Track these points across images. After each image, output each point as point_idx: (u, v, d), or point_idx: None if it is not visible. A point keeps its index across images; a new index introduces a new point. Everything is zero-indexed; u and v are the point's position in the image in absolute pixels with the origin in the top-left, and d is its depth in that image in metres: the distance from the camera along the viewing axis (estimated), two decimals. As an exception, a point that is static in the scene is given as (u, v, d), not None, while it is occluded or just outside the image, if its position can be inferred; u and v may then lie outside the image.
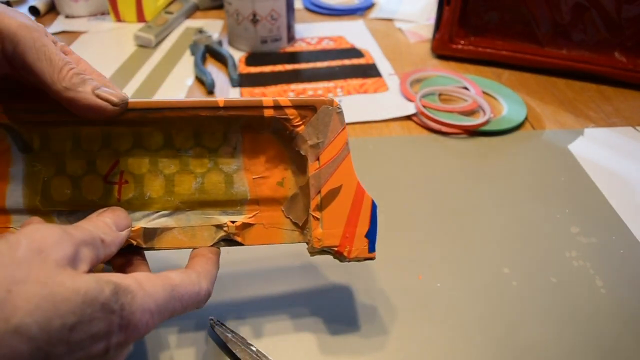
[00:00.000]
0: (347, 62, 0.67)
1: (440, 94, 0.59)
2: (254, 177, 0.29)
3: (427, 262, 0.37)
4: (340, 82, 0.62)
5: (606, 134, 0.53)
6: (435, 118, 0.52)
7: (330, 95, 0.59)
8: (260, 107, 0.28)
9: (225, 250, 0.38)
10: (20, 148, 0.28)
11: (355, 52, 0.69)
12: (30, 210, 0.28)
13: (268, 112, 0.28)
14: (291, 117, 0.28)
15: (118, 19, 0.80)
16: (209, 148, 0.29)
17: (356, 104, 0.57)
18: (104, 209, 0.26)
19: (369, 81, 0.62)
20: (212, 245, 0.29)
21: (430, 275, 0.36)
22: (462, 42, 0.66)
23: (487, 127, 0.52)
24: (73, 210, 0.28)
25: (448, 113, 0.54)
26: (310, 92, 0.60)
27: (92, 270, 0.22)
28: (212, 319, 0.32)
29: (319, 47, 0.71)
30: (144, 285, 0.21)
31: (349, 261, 0.29)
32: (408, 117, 0.55)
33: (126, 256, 0.27)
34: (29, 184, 0.28)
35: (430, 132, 0.53)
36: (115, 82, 0.62)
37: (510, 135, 0.52)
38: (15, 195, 0.28)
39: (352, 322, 0.33)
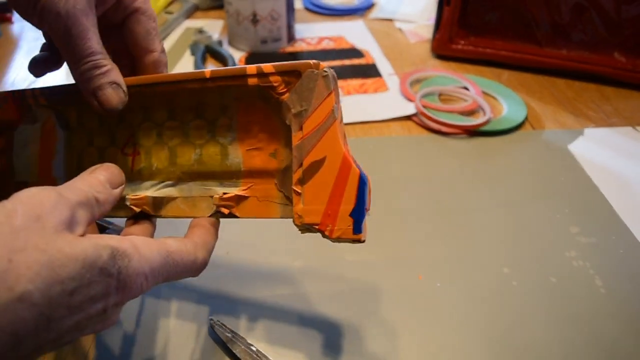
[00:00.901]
0: (347, 62, 0.67)
1: (440, 94, 0.59)
2: (247, 148, 0.28)
3: (427, 262, 0.37)
4: (340, 82, 0.62)
5: (606, 134, 0.53)
6: (435, 118, 0.52)
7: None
8: (244, 75, 0.27)
9: (225, 250, 0.38)
10: (61, 126, 0.32)
11: (355, 52, 0.69)
12: (69, 179, 0.30)
13: (252, 81, 0.27)
14: (275, 85, 0.26)
15: (118, 19, 0.80)
16: (208, 120, 0.29)
17: (356, 104, 0.57)
18: (98, 165, 0.25)
19: (369, 81, 0.62)
20: (210, 216, 0.29)
21: (430, 275, 0.36)
22: (462, 42, 0.66)
23: (487, 127, 0.52)
24: None
25: (448, 113, 0.54)
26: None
27: (87, 230, 0.22)
28: (212, 319, 0.32)
29: (319, 47, 0.71)
30: (140, 249, 0.22)
31: (333, 241, 0.27)
32: (408, 117, 0.55)
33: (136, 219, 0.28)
34: (68, 156, 0.32)
35: (430, 132, 0.53)
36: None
37: (510, 135, 0.52)
38: (58, 166, 0.32)
39: (352, 322, 0.33)
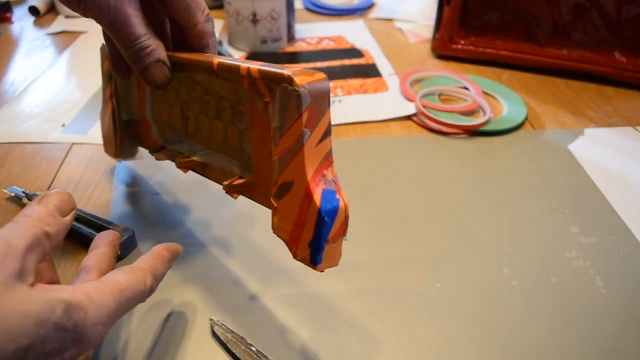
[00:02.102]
0: (347, 62, 0.67)
1: (440, 94, 0.59)
2: (256, 139, 0.28)
3: (427, 262, 0.37)
4: (340, 82, 0.62)
5: (606, 134, 0.53)
6: (435, 118, 0.52)
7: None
8: (239, 75, 0.26)
9: (225, 250, 0.38)
10: None
11: (355, 52, 0.69)
12: (155, 123, 0.37)
13: (245, 83, 0.26)
14: (262, 92, 0.25)
15: (118, 19, 0.80)
16: (230, 102, 0.29)
17: (356, 104, 0.57)
18: (49, 192, 0.25)
19: (369, 81, 0.62)
20: (227, 192, 0.30)
21: (430, 275, 0.36)
22: (462, 42, 0.66)
23: (487, 127, 0.52)
24: (171, 131, 0.36)
25: (448, 113, 0.54)
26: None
27: (42, 267, 0.22)
28: (212, 319, 0.32)
29: (319, 47, 0.71)
30: (94, 299, 0.22)
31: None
32: (408, 117, 0.55)
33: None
34: (153, 106, 0.37)
35: (430, 132, 0.53)
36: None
37: (510, 135, 0.52)
38: (149, 112, 0.37)
39: (352, 322, 0.33)
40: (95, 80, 0.63)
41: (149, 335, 0.32)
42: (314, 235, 0.24)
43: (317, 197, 0.24)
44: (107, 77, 0.40)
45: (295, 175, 0.24)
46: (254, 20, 0.66)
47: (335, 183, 0.25)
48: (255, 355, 0.30)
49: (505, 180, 0.46)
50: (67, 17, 0.82)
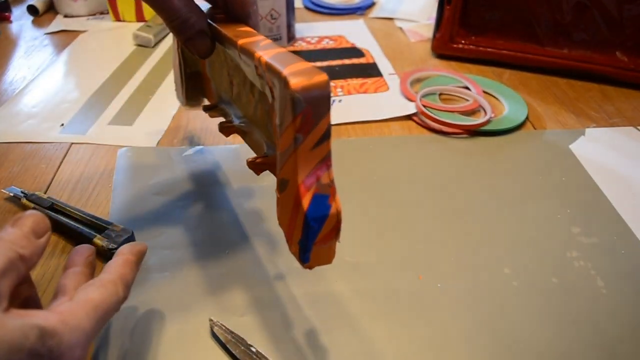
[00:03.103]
0: (347, 61, 0.67)
1: (440, 94, 0.58)
2: (277, 122, 0.27)
3: (427, 262, 0.37)
4: (340, 82, 0.62)
5: (607, 134, 0.52)
6: (436, 118, 0.52)
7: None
8: (254, 60, 0.26)
9: (225, 250, 0.38)
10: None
11: (355, 52, 0.69)
12: (213, 79, 0.40)
13: (258, 71, 0.26)
14: (269, 85, 0.25)
15: (117, 18, 0.80)
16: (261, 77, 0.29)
17: (356, 103, 0.57)
18: (23, 214, 0.25)
19: (369, 81, 0.62)
20: (249, 167, 0.30)
21: (430, 275, 0.36)
22: (463, 41, 0.66)
23: (488, 127, 0.52)
24: (223, 92, 0.38)
25: (449, 113, 0.54)
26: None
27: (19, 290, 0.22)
28: (212, 320, 0.32)
29: (319, 46, 0.71)
30: (69, 322, 0.22)
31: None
32: (408, 117, 0.55)
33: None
34: (210, 62, 0.39)
35: (430, 132, 0.52)
36: (115, 81, 0.62)
37: (511, 135, 0.52)
38: (207, 67, 0.40)
39: (352, 322, 0.33)
40: (94, 79, 0.63)
41: (149, 335, 0.32)
42: (302, 236, 0.25)
43: (306, 201, 0.23)
44: None
45: (289, 175, 0.24)
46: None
47: (331, 187, 0.24)
48: (255, 356, 0.30)
49: (506, 180, 0.45)
50: (66, 16, 0.82)
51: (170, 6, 0.30)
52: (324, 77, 0.23)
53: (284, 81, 0.22)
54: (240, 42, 0.28)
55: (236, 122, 0.35)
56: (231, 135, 0.51)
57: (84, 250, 0.29)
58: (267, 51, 0.25)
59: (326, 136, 0.24)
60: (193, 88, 0.43)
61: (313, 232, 0.24)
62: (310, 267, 0.26)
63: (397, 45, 0.72)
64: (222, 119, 0.38)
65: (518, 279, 0.36)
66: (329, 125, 0.24)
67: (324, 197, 0.24)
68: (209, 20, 0.32)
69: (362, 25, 0.78)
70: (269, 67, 0.24)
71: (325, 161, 0.24)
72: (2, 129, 0.53)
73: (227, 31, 0.30)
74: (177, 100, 0.47)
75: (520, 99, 0.57)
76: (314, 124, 0.23)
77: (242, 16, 0.32)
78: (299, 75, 0.22)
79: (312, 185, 0.24)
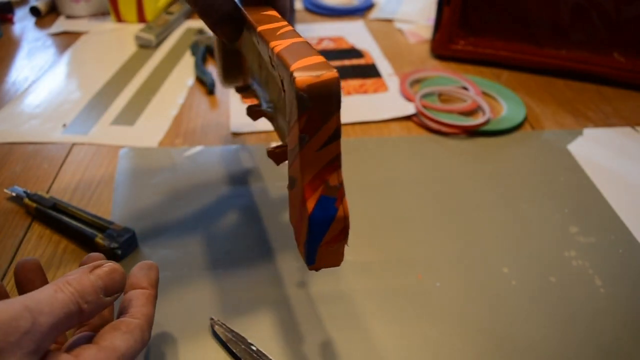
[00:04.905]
0: (347, 62, 0.67)
1: (439, 94, 0.59)
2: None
3: (427, 262, 0.37)
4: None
5: (605, 134, 0.53)
6: (435, 118, 0.53)
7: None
8: (268, 50, 0.25)
9: (225, 250, 0.38)
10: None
11: (355, 53, 0.69)
12: (248, 58, 0.40)
13: (272, 61, 0.25)
14: (280, 79, 0.24)
15: (119, 19, 0.80)
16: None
17: (356, 104, 0.57)
18: (105, 262, 0.24)
19: (369, 81, 0.62)
20: (269, 156, 0.30)
21: (430, 275, 0.36)
22: (462, 42, 0.66)
23: (486, 127, 0.52)
24: (257, 75, 0.38)
25: (448, 113, 0.55)
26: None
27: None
28: (212, 319, 0.32)
29: (319, 47, 0.71)
30: None
31: None
32: (408, 118, 0.55)
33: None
34: (245, 42, 0.37)
35: (429, 133, 0.53)
36: (116, 82, 0.62)
37: (509, 136, 0.52)
38: (243, 47, 0.39)
39: (352, 321, 0.33)
40: (96, 80, 0.63)
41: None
42: (307, 238, 0.24)
43: (311, 203, 0.22)
44: None
45: (296, 174, 0.23)
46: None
47: (339, 190, 0.23)
48: (255, 355, 0.30)
49: (505, 180, 0.46)
50: (68, 17, 0.82)
51: None
52: (333, 73, 0.21)
53: (290, 77, 0.21)
54: (260, 28, 0.26)
55: (264, 106, 0.35)
56: (234, 137, 0.52)
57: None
58: (283, 41, 0.24)
59: (335, 137, 0.22)
60: (231, 67, 0.43)
61: (317, 234, 0.23)
62: (316, 269, 0.25)
63: (396, 46, 0.72)
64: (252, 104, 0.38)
65: (516, 278, 0.36)
66: (339, 126, 0.22)
67: (331, 199, 0.23)
68: (237, 2, 0.31)
69: (361, 27, 0.78)
70: (280, 59, 0.23)
71: (334, 163, 0.23)
72: (4, 130, 0.54)
73: (251, 15, 0.29)
74: (217, 77, 0.47)
75: (518, 100, 0.57)
76: (321, 124, 0.22)
77: (278, 4, 0.31)
78: (307, 71, 0.21)
79: (319, 187, 0.23)
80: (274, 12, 0.30)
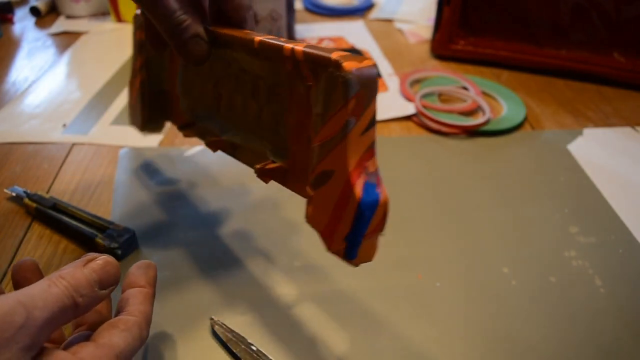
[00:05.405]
0: (347, 62, 0.67)
1: (439, 94, 0.59)
2: (293, 124, 0.27)
3: (427, 262, 0.37)
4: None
5: (605, 134, 0.53)
6: (435, 118, 0.53)
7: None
8: (281, 57, 0.25)
9: (225, 250, 0.38)
10: None
11: (355, 53, 0.69)
12: (185, 98, 0.36)
13: (288, 65, 0.25)
14: (305, 75, 0.24)
15: (119, 19, 0.80)
16: (267, 83, 0.28)
17: (356, 104, 0.57)
18: (98, 256, 0.24)
19: (369, 81, 0.62)
20: (259, 176, 0.29)
21: (430, 275, 0.36)
22: (462, 42, 0.66)
23: (486, 127, 0.52)
24: (202, 108, 0.35)
25: (448, 113, 0.55)
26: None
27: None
28: (212, 319, 0.32)
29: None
30: None
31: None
32: (408, 118, 0.55)
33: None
34: (184, 78, 0.36)
35: (429, 133, 0.53)
36: (116, 82, 0.62)
37: (509, 136, 0.52)
38: (179, 84, 0.36)
39: (352, 321, 0.33)
40: (96, 80, 0.63)
41: (149, 335, 0.32)
42: (351, 229, 0.23)
43: (358, 189, 0.22)
44: (139, 47, 0.40)
45: (336, 164, 0.23)
46: (254, 20, 0.66)
47: (377, 176, 0.23)
48: (255, 355, 0.30)
49: (505, 180, 0.46)
50: (68, 17, 0.82)
51: (165, 5, 0.27)
52: (371, 60, 0.22)
53: (335, 64, 0.22)
54: (257, 38, 0.26)
55: (224, 135, 0.33)
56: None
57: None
58: (295, 44, 0.24)
59: (373, 122, 0.23)
60: (157, 110, 0.40)
61: (365, 222, 0.23)
62: (356, 264, 0.24)
63: (396, 46, 0.72)
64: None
65: (517, 278, 0.36)
66: (375, 111, 0.23)
67: (372, 185, 0.23)
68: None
69: (361, 27, 0.78)
70: (309, 56, 0.23)
71: (371, 149, 0.23)
72: (4, 130, 0.54)
73: (231, 32, 0.29)
74: (131, 125, 0.43)
75: (518, 100, 0.57)
76: (364, 108, 0.22)
77: (237, 21, 0.30)
78: (348, 59, 0.22)
79: (362, 173, 0.23)
80: (249, 31, 0.30)
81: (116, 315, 0.25)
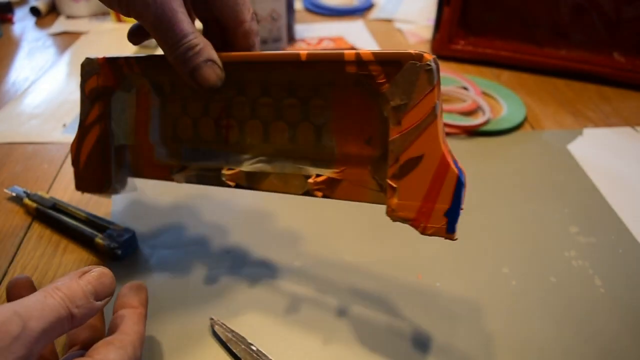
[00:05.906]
0: (347, 62, 0.67)
1: (439, 95, 0.59)
2: (341, 132, 0.28)
3: (427, 261, 0.37)
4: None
5: (605, 134, 0.53)
6: (435, 118, 0.53)
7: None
8: (342, 61, 0.26)
9: (225, 249, 0.38)
10: (156, 92, 0.33)
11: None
12: (165, 144, 0.33)
13: (350, 69, 0.26)
14: (375, 74, 0.26)
15: (119, 19, 0.80)
16: (302, 99, 0.29)
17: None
18: (94, 267, 0.24)
19: (369, 81, 0.62)
20: (302, 194, 0.29)
21: (430, 275, 0.36)
22: (462, 42, 0.66)
23: (486, 128, 0.52)
24: (194, 147, 0.32)
25: (447, 113, 0.55)
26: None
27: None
28: (212, 319, 0.32)
29: (319, 47, 0.71)
30: None
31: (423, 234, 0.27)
32: (408, 118, 0.55)
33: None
34: (163, 122, 0.33)
35: (429, 133, 0.53)
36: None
37: (509, 136, 0.52)
38: (154, 131, 0.34)
39: (352, 321, 0.33)
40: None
41: (149, 335, 0.32)
42: (452, 204, 0.25)
43: (453, 165, 0.25)
44: (92, 99, 0.34)
45: (425, 148, 0.25)
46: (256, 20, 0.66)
47: (453, 155, 0.26)
48: (255, 355, 0.30)
49: (505, 180, 0.46)
50: (68, 17, 0.82)
51: (178, 28, 0.25)
52: (430, 54, 0.25)
53: (417, 57, 0.24)
54: (304, 52, 0.27)
55: (240, 166, 0.31)
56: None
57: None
58: (347, 51, 0.26)
59: (440, 107, 0.25)
60: (120, 166, 0.35)
61: (460, 197, 0.25)
62: (456, 238, 0.26)
63: (396, 46, 0.72)
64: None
65: (517, 278, 0.36)
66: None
67: (455, 161, 0.25)
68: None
69: (361, 27, 0.78)
70: (381, 56, 0.25)
71: (444, 134, 0.26)
72: (4, 130, 0.54)
73: (252, 57, 0.28)
74: (81, 191, 0.36)
75: (518, 100, 0.57)
76: (440, 94, 0.25)
77: (245, 47, 0.30)
78: (423, 53, 0.25)
79: (449, 151, 0.25)
80: (265, 52, 0.30)
81: (110, 334, 0.25)
